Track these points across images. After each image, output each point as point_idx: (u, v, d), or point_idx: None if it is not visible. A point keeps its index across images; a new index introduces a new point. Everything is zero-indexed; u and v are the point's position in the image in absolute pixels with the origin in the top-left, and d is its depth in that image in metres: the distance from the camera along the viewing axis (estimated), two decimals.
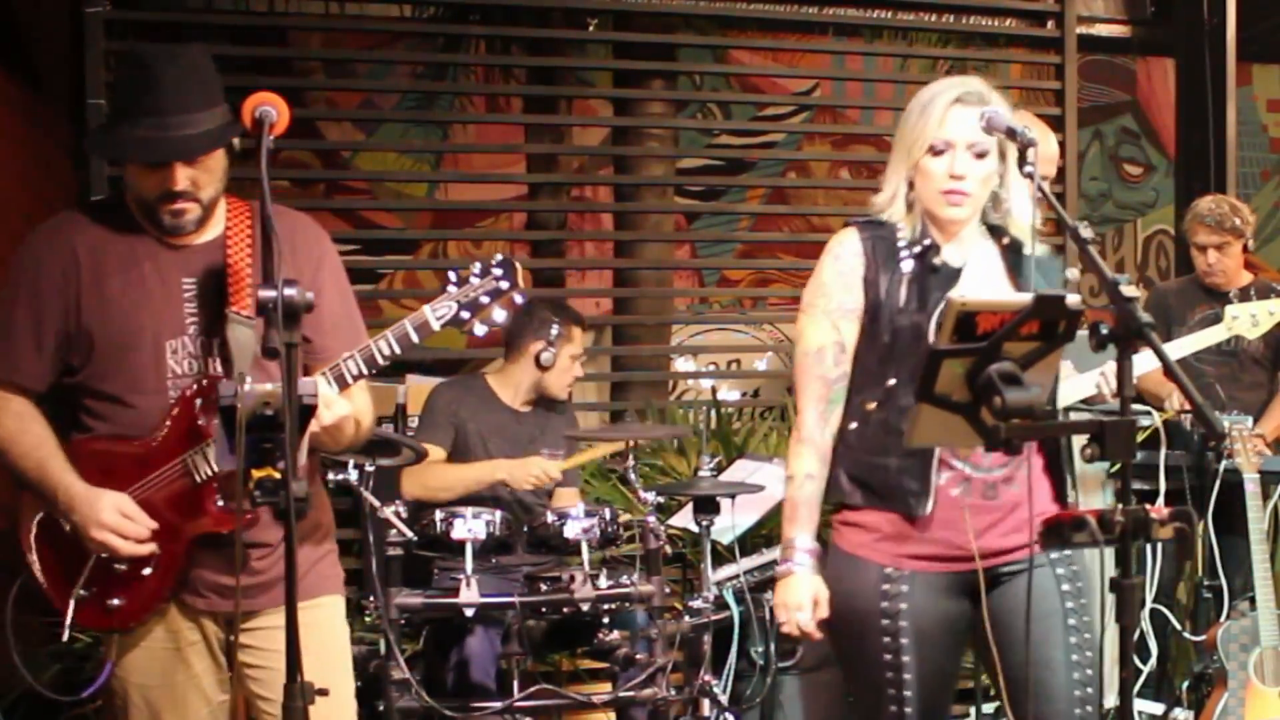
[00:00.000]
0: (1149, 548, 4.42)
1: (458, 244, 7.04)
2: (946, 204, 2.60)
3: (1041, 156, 3.65)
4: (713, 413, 5.46)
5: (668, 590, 3.86)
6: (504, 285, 2.50)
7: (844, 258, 2.65)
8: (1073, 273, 4.19)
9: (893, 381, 2.58)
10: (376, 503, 3.72)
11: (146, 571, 2.49)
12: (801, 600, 2.61)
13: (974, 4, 6.15)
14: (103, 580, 2.49)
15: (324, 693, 2.20)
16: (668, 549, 3.97)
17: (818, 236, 5.05)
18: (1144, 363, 3.51)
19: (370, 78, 6.63)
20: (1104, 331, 2.05)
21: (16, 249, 2.57)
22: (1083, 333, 2.09)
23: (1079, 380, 3.64)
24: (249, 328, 2.46)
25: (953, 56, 6.42)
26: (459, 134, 6.88)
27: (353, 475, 3.71)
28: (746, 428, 5.85)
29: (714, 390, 6.42)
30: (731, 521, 4.02)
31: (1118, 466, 2.83)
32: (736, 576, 4.07)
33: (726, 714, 3.81)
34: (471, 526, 3.78)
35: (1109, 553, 2.07)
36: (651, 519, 3.83)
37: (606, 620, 3.79)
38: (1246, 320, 3.91)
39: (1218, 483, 4.31)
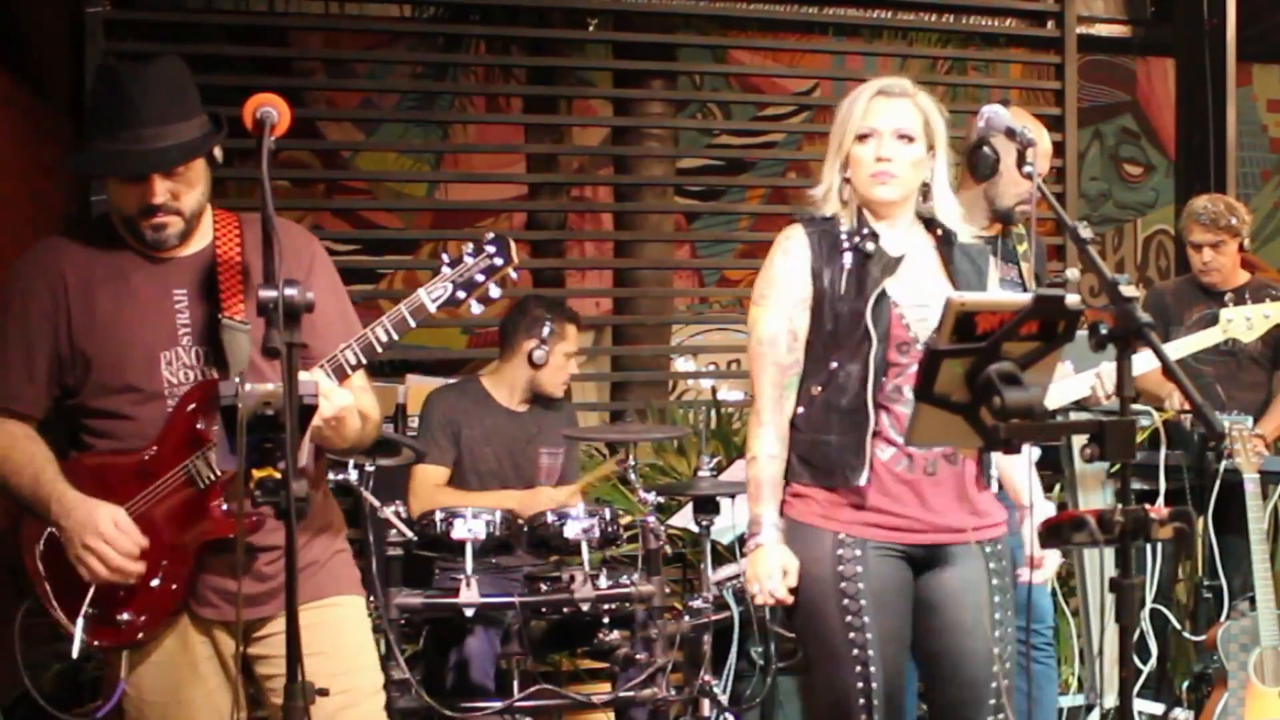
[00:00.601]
0: (1149, 548, 4.42)
1: (457, 244, 7.02)
2: (876, 184, 2.76)
3: (1034, 152, 3.66)
4: (713, 413, 5.46)
5: (668, 590, 3.86)
6: (498, 262, 2.50)
7: (792, 252, 2.81)
8: (1073, 273, 4.20)
9: (834, 364, 2.74)
10: (376, 503, 3.72)
11: (154, 583, 2.46)
12: (771, 570, 2.73)
13: (974, 4, 6.16)
14: (111, 596, 2.46)
15: (324, 692, 2.20)
16: (668, 549, 3.97)
17: None
18: (1143, 363, 3.51)
19: (370, 78, 6.63)
20: (1104, 331, 2.05)
21: (4, 277, 2.56)
22: (1082, 333, 2.09)
23: (1073, 381, 3.64)
24: (244, 332, 2.46)
25: (953, 56, 6.43)
26: (459, 134, 6.88)
27: (353, 475, 3.71)
28: (746, 428, 5.85)
29: (714, 390, 6.42)
30: (731, 521, 4.02)
31: (1118, 466, 2.84)
32: (736, 576, 4.06)
33: (726, 714, 3.81)
34: (471, 526, 3.78)
35: (1109, 553, 2.08)
36: (651, 519, 3.83)
37: (606, 620, 3.79)
38: (1241, 323, 3.91)
39: (1218, 483, 4.31)
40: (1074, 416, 3.77)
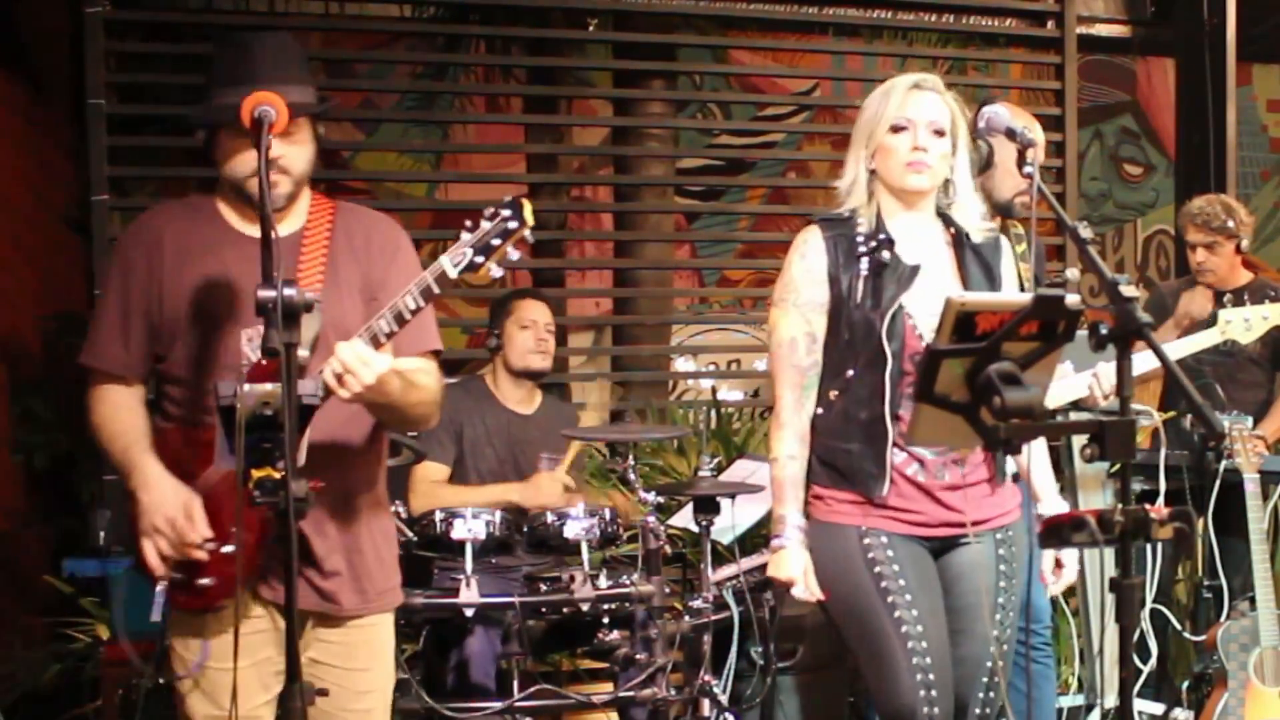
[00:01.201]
0: (1149, 548, 4.42)
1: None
2: (911, 173, 2.81)
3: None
4: (713, 413, 5.46)
5: (668, 590, 3.85)
6: (513, 225, 2.55)
7: (809, 255, 2.86)
8: (1073, 273, 4.20)
9: (850, 373, 2.81)
10: None
11: (227, 549, 2.48)
12: (794, 574, 2.82)
13: (974, 4, 6.15)
14: (193, 563, 2.50)
15: (324, 693, 2.20)
16: (668, 549, 3.97)
17: None
18: (1141, 363, 3.50)
19: (370, 78, 6.63)
20: (1103, 331, 2.05)
21: (119, 240, 2.69)
22: (1082, 333, 2.09)
23: (1070, 381, 3.64)
24: (314, 311, 2.44)
25: (953, 57, 6.42)
26: (459, 134, 6.88)
27: None
28: (746, 428, 5.85)
29: (714, 390, 6.42)
30: (731, 521, 4.01)
31: (1118, 466, 2.84)
32: (736, 576, 4.06)
33: (726, 714, 3.81)
34: (471, 526, 3.78)
35: (1109, 552, 2.07)
36: (651, 519, 3.83)
37: (606, 620, 3.79)
38: (1240, 324, 3.90)
39: (1218, 483, 4.31)
40: (1073, 417, 3.76)
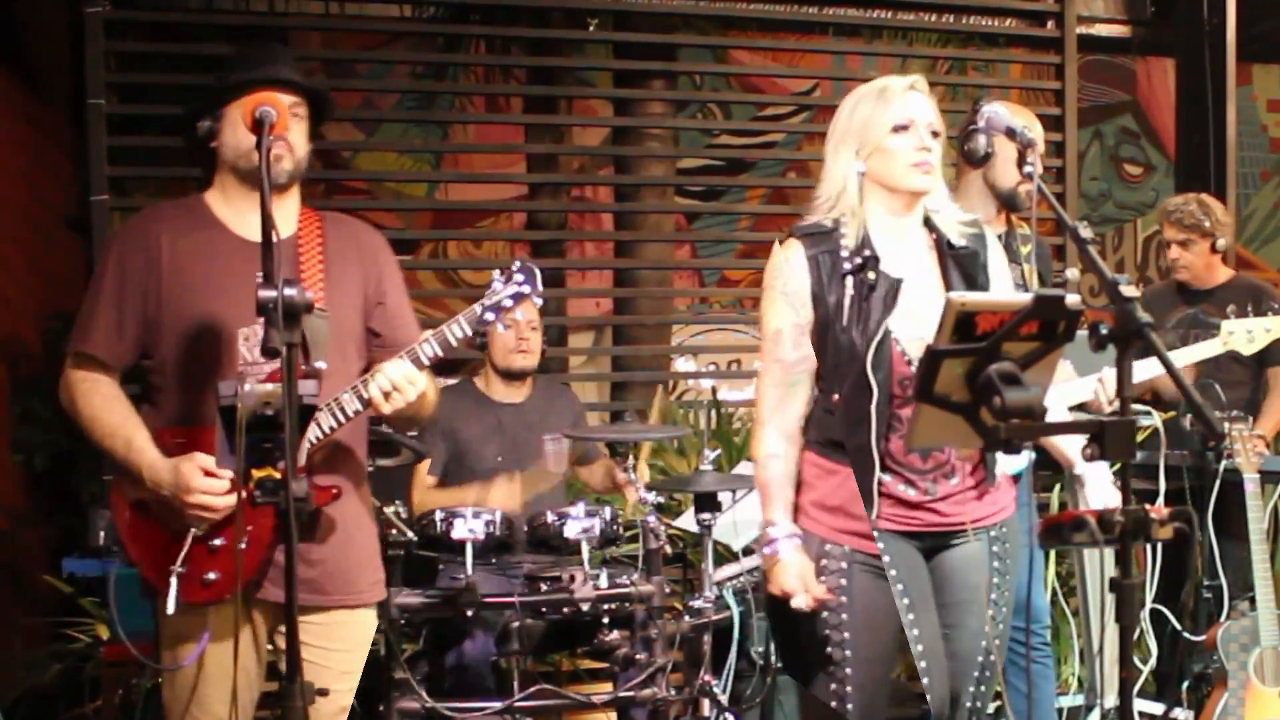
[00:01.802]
0: (1149, 547, 4.41)
1: (458, 244, 7.04)
2: (919, 174, 2.73)
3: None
4: (713, 413, 5.46)
5: (668, 590, 3.85)
6: (525, 290, 2.78)
7: (792, 262, 2.76)
8: (1073, 273, 4.20)
9: (836, 397, 2.73)
10: (376, 502, 3.72)
11: (241, 546, 2.58)
12: (791, 586, 2.71)
13: (974, 4, 6.15)
14: (199, 556, 2.60)
15: (324, 693, 2.21)
16: (668, 549, 3.97)
17: None
18: (1143, 370, 3.51)
19: (370, 78, 6.63)
20: (1104, 332, 2.05)
21: (109, 236, 2.79)
22: (1083, 333, 2.09)
23: (1076, 384, 3.63)
24: (324, 319, 2.52)
25: (953, 56, 6.42)
26: (459, 134, 6.88)
27: None
28: (746, 428, 5.85)
29: (714, 390, 6.41)
30: (732, 520, 4.01)
31: (1118, 466, 2.84)
32: (737, 576, 4.06)
33: (726, 714, 3.81)
34: (471, 526, 3.78)
35: (1109, 552, 2.08)
36: (652, 519, 3.83)
37: (606, 620, 3.79)
38: (1242, 335, 3.90)
39: (1217, 483, 4.31)
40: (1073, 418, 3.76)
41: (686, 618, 3.80)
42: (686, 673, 3.85)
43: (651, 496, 3.88)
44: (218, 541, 2.59)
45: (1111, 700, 3.98)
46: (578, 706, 3.86)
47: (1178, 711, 4.40)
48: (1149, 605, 4.44)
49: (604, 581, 3.75)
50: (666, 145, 6.33)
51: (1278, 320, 3.90)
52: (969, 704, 2.82)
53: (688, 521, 4.25)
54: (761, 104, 6.97)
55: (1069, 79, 6.01)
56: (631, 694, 3.73)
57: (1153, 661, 4.52)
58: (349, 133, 6.41)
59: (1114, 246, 8.13)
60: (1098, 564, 4.51)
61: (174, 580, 2.57)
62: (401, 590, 3.66)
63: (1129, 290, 2.08)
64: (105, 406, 2.64)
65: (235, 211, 2.69)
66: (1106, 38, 6.96)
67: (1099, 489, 3.01)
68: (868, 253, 2.73)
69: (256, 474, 2.12)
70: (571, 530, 3.85)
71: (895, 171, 2.74)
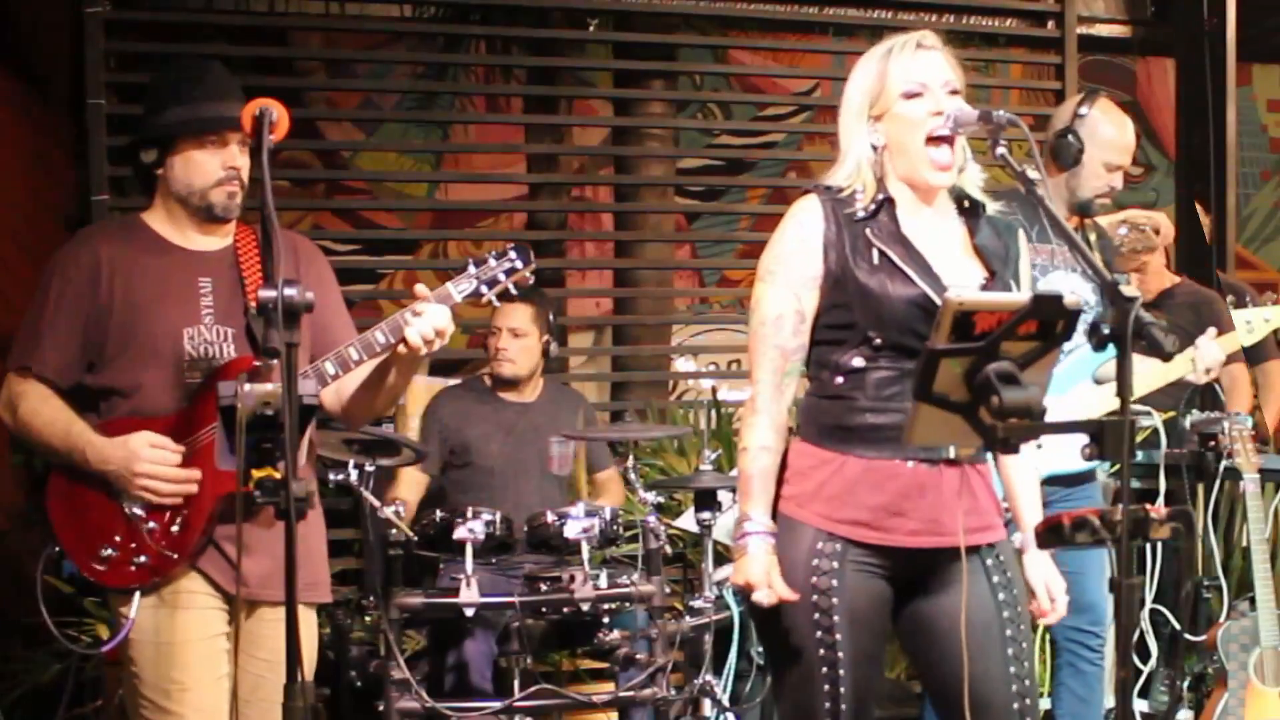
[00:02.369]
0: (1149, 548, 4.41)
1: (458, 244, 7.04)
2: (934, 169, 2.49)
3: (1118, 146, 3.62)
4: (713, 413, 5.46)
5: (668, 590, 3.86)
6: (519, 265, 2.80)
7: (806, 224, 2.54)
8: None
9: (839, 380, 2.52)
10: (376, 503, 3.73)
11: (175, 529, 2.61)
12: (756, 579, 2.52)
13: (974, 4, 6.15)
14: (130, 538, 2.63)
15: (324, 693, 2.21)
16: (668, 549, 3.97)
17: None
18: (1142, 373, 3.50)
19: (370, 78, 6.64)
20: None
21: (50, 258, 2.79)
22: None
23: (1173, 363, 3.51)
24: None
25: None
26: (459, 134, 6.88)
27: (353, 475, 3.71)
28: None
29: (714, 390, 6.41)
30: (733, 520, 4.01)
31: (1118, 466, 2.83)
32: None
33: (726, 714, 3.81)
34: (471, 526, 3.78)
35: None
36: (651, 519, 3.83)
37: (606, 620, 3.79)
38: (1242, 327, 3.90)
39: (1217, 483, 4.30)
40: (1071, 419, 3.75)
41: (687, 618, 3.80)
42: (687, 673, 3.86)
43: (652, 496, 3.88)
44: (151, 525, 2.61)
45: (1111, 700, 3.96)
46: (578, 706, 3.86)
47: (1178, 712, 4.39)
48: (1149, 605, 4.44)
49: (604, 581, 3.75)
50: (666, 145, 6.33)
51: (1278, 310, 3.89)
52: None
53: (688, 521, 4.25)
54: (761, 104, 6.98)
55: (1069, 79, 6.01)
56: (632, 694, 3.73)
57: (1153, 662, 4.52)
58: (349, 133, 6.42)
59: None
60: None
61: (99, 564, 2.62)
62: (401, 590, 3.67)
63: (1129, 290, 2.08)
64: (42, 400, 2.68)
65: (178, 230, 2.75)
66: (1106, 38, 6.95)
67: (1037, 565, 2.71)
68: (881, 196, 2.52)
69: (256, 474, 2.12)
70: (571, 530, 3.85)
71: (909, 148, 2.50)
